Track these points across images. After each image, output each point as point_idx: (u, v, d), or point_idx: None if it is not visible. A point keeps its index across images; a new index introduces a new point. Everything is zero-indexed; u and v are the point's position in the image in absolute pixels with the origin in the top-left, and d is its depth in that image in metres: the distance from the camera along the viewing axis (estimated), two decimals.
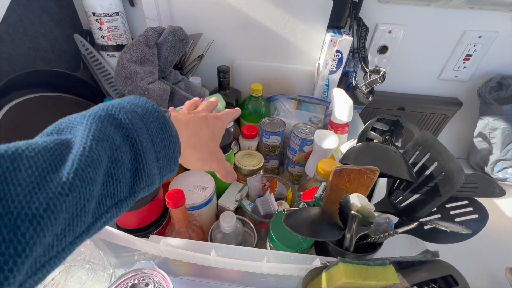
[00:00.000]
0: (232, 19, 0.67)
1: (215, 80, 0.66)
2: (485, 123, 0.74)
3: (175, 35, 0.61)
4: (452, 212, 0.39)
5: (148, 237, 0.40)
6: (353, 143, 0.53)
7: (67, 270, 0.39)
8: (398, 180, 0.44)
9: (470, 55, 0.72)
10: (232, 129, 0.62)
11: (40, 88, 0.55)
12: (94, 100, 0.65)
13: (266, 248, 0.45)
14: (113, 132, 0.22)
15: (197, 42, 0.68)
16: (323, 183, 0.46)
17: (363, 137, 0.48)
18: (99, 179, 0.20)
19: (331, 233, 0.37)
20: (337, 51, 0.65)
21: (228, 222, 0.44)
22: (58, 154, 0.19)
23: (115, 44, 0.66)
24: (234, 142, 0.61)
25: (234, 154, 0.59)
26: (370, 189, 0.38)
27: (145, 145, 0.24)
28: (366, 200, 0.35)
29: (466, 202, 0.39)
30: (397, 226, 0.40)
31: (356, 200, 0.34)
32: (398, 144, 0.46)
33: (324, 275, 0.33)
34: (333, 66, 0.68)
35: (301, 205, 0.46)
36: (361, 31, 0.66)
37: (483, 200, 0.38)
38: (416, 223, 0.36)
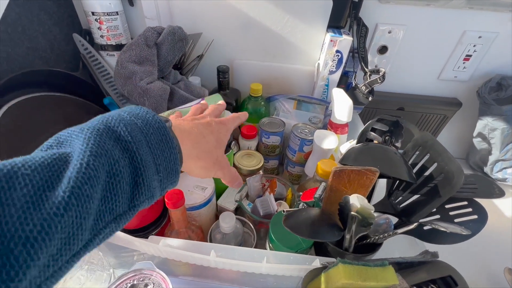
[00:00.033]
0: (232, 19, 0.67)
1: (215, 80, 0.66)
2: (484, 124, 0.74)
3: (175, 34, 0.61)
4: (451, 213, 0.39)
5: (147, 237, 0.40)
6: (352, 143, 0.53)
7: None
8: (398, 181, 0.44)
9: (470, 56, 0.72)
10: None
11: (39, 87, 0.55)
12: (93, 100, 0.65)
13: (265, 249, 0.45)
14: (111, 146, 0.22)
15: (196, 42, 0.68)
16: (323, 184, 0.46)
17: (363, 138, 0.48)
18: (96, 195, 0.20)
19: (331, 234, 0.37)
20: (337, 51, 0.65)
21: (228, 222, 0.44)
22: (55, 170, 0.18)
23: (114, 43, 0.66)
24: (233, 142, 0.61)
25: (234, 154, 0.59)
26: (369, 189, 0.38)
27: (144, 158, 0.24)
28: (366, 201, 0.35)
29: (465, 202, 0.39)
30: (397, 226, 0.40)
31: (356, 201, 0.34)
32: (398, 144, 0.46)
33: (323, 276, 0.33)
34: (333, 66, 0.68)
35: (300, 206, 0.46)
36: (361, 31, 0.66)
37: (482, 201, 0.39)
38: (415, 224, 0.36)
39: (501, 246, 0.60)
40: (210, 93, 0.68)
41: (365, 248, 0.39)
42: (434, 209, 0.39)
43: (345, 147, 0.55)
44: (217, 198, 0.53)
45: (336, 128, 0.61)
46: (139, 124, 0.25)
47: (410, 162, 0.42)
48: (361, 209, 0.34)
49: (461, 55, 0.73)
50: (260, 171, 0.58)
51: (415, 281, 0.33)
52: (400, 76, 0.78)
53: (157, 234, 0.46)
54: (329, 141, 0.55)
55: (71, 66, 0.67)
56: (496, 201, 0.71)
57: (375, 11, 0.68)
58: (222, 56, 0.73)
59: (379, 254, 0.39)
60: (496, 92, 0.72)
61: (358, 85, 0.66)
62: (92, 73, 0.66)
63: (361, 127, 0.57)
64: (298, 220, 0.37)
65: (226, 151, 0.53)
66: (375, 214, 0.35)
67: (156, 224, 0.47)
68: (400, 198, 0.43)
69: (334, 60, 0.66)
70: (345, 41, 0.64)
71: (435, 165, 0.39)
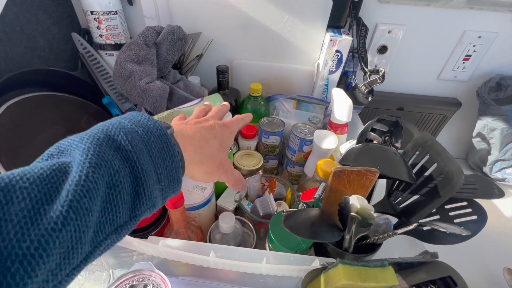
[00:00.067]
0: (232, 19, 0.67)
1: (214, 79, 0.66)
2: (484, 124, 0.74)
3: (174, 34, 0.61)
4: (451, 213, 0.39)
5: (146, 237, 0.40)
6: (352, 143, 0.53)
7: None
8: (398, 181, 0.44)
9: (470, 56, 0.72)
10: None
11: (37, 87, 0.55)
12: (92, 100, 0.65)
13: (265, 249, 0.45)
14: (111, 156, 0.21)
15: (196, 41, 0.68)
16: (323, 184, 0.46)
17: (363, 138, 0.47)
18: (96, 207, 0.19)
19: (331, 234, 0.37)
20: (337, 51, 0.65)
21: (227, 222, 0.44)
22: (54, 182, 0.18)
23: (113, 43, 0.65)
24: (233, 142, 0.61)
25: (233, 154, 0.59)
26: (369, 190, 0.38)
27: (145, 167, 0.23)
28: (366, 201, 0.35)
29: (465, 203, 0.39)
30: (396, 227, 0.40)
31: (356, 201, 0.34)
32: (398, 145, 0.46)
33: (323, 277, 0.32)
34: (333, 66, 0.68)
35: (300, 206, 0.46)
36: (361, 31, 0.66)
37: (481, 200, 0.39)
38: (415, 224, 0.36)
39: (500, 246, 0.60)
40: (210, 93, 0.68)
41: (365, 248, 0.39)
42: (434, 210, 0.39)
43: (344, 147, 0.55)
44: (217, 198, 0.53)
45: (336, 128, 0.61)
46: (140, 132, 0.24)
47: (410, 162, 0.42)
48: (361, 209, 0.34)
49: (460, 55, 0.73)
50: (260, 171, 0.58)
51: (415, 282, 0.33)
52: (400, 76, 0.78)
53: (156, 234, 0.46)
54: (328, 141, 0.55)
55: (70, 65, 0.67)
56: (495, 201, 0.71)
57: (375, 11, 0.68)
58: (222, 55, 0.73)
59: (378, 255, 0.39)
60: (495, 92, 0.72)
61: (358, 85, 0.66)
62: (91, 72, 0.66)
63: (360, 127, 0.57)
64: (298, 221, 0.37)
65: None
66: (375, 214, 0.35)
67: (156, 224, 0.47)
68: (400, 198, 0.43)
69: (333, 60, 0.66)
70: (345, 41, 0.64)
71: (434, 165, 0.39)
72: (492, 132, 0.73)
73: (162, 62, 0.62)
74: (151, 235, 0.44)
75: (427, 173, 0.40)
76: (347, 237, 0.37)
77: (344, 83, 0.73)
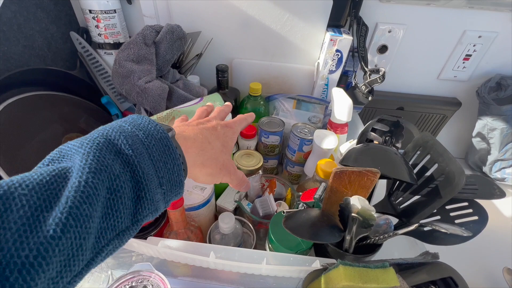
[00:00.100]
0: (231, 18, 0.67)
1: (214, 79, 0.65)
2: (484, 123, 0.74)
3: (173, 33, 0.60)
4: (452, 214, 0.39)
5: (146, 238, 0.40)
6: (352, 143, 0.53)
7: None
8: (398, 181, 0.44)
9: (470, 55, 0.72)
10: None
11: (36, 86, 0.54)
12: (91, 99, 0.64)
13: (265, 249, 0.45)
14: (111, 161, 0.21)
15: (195, 40, 0.68)
16: (323, 184, 0.45)
17: (363, 138, 0.47)
18: (96, 213, 0.19)
19: (331, 235, 0.36)
20: (337, 50, 0.65)
21: (227, 223, 0.43)
22: (54, 188, 0.18)
23: (112, 42, 0.65)
24: None
25: (233, 154, 0.58)
26: (370, 190, 0.38)
27: (146, 171, 0.23)
28: (367, 202, 0.35)
29: (466, 203, 0.39)
30: (397, 227, 0.40)
31: (357, 202, 0.34)
32: (398, 145, 0.46)
33: (323, 278, 0.32)
34: (333, 65, 0.67)
35: (300, 206, 0.46)
36: (361, 31, 0.66)
37: (481, 200, 0.38)
38: (416, 225, 0.36)
39: (500, 246, 0.60)
40: (209, 92, 0.67)
41: (365, 248, 0.39)
42: (435, 210, 0.39)
43: (344, 147, 0.55)
44: (216, 198, 0.53)
45: (336, 127, 0.61)
46: (141, 136, 0.24)
47: (410, 162, 0.42)
48: (362, 210, 0.34)
49: (461, 54, 0.72)
50: (260, 171, 0.58)
51: (416, 282, 0.33)
52: (400, 75, 0.78)
53: (155, 235, 0.45)
54: (328, 141, 0.55)
55: (68, 64, 0.66)
56: (495, 201, 0.71)
57: (375, 10, 0.67)
58: (221, 55, 0.72)
59: (379, 255, 0.39)
60: (495, 92, 0.72)
61: (358, 85, 0.66)
62: (90, 71, 0.66)
63: (361, 126, 0.57)
64: (298, 221, 0.37)
65: None
66: (375, 215, 0.35)
67: (155, 225, 0.47)
68: (401, 198, 0.43)
69: (334, 59, 0.66)
70: (345, 40, 0.63)
71: (435, 166, 0.39)
72: (492, 132, 0.73)
73: (161, 61, 0.62)
74: (151, 235, 0.44)
75: (428, 174, 0.40)
76: (348, 237, 0.36)
77: (344, 82, 0.73)
